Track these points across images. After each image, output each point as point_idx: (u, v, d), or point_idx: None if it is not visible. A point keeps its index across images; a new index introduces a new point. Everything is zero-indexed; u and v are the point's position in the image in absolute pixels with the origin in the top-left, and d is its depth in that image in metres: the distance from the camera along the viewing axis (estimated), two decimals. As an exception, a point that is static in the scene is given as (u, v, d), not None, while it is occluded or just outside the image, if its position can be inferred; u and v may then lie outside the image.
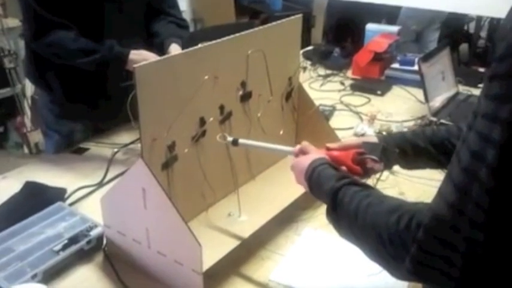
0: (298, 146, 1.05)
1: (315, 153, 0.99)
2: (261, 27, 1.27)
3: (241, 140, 1.14)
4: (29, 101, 3.47)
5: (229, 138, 1.15)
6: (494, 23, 4.00)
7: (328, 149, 1.02)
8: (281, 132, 1.09)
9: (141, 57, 1.51)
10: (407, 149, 0.99)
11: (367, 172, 0.98)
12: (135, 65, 0.97)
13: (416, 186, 1.42)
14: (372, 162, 0.96)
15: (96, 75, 1.60)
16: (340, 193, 0.81)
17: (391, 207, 0.71)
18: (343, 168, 0.95)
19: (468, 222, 0.57)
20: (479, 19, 4.02)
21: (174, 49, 1.58)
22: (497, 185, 0.55)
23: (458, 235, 0.58)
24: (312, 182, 0.91)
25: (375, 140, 1.02)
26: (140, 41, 1.66)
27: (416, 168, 1.04)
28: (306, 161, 0.95)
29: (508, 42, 0.55)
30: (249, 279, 1.10)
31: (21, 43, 3.55)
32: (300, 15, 1.38)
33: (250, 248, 1.17)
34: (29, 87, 3.47)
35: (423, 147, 0.98)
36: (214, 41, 1.13)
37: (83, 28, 1.55)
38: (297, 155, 1.03)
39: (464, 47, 4.14)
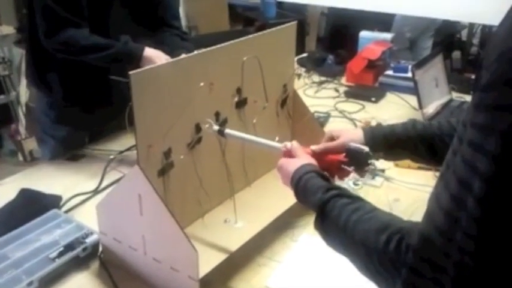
0: (285, 144, 1.03)
1: (302, 158, 0.97)
2: (255, 34, 1.28)
3: (227, 130, 1.14)
4: (24, 109, 3.46)
5: (216, 127, 1.16)
6: (486, 30, 4.04)
7: (314, 153, 1.01)
8: (276, 139, 1.09)
9: (156, 54, 1.51)
10: (395, 144, 1.00)
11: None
12: (135, 71, 0.97)
13: (411, 192, 1.43)
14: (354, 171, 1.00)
15: (98, 77, 1.60)
16: (328, 206, 0.80)
17: (380, 225, 0.70)
18: (326, 173, 0.94)
19: (458, 248, 0.57)
20: (471, 26, 4.05)
21: None
22: (485, 215, 0.54)
23: (448, 260, 0.58)
24: (298, 189, 0.90)
25: (360, 136, 1.02)
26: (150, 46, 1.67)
27: (399, 159, 1.07)
28: (292, 166, 0.94)
29: (492, 73, 0.55)
30: (245, 286, 1.10)
31: (16, 50, 3.55)
32: (294, 23, 1.39)
33: (246, 255, 1.17)
34: (24, 95, 3.46)
35: (412, 143, 0.98)
36: (209, 48, 1.14)
37: (93, 31, 1.56)
38: (284, 154, 1.02)
39: (456, 54, 4.18)
